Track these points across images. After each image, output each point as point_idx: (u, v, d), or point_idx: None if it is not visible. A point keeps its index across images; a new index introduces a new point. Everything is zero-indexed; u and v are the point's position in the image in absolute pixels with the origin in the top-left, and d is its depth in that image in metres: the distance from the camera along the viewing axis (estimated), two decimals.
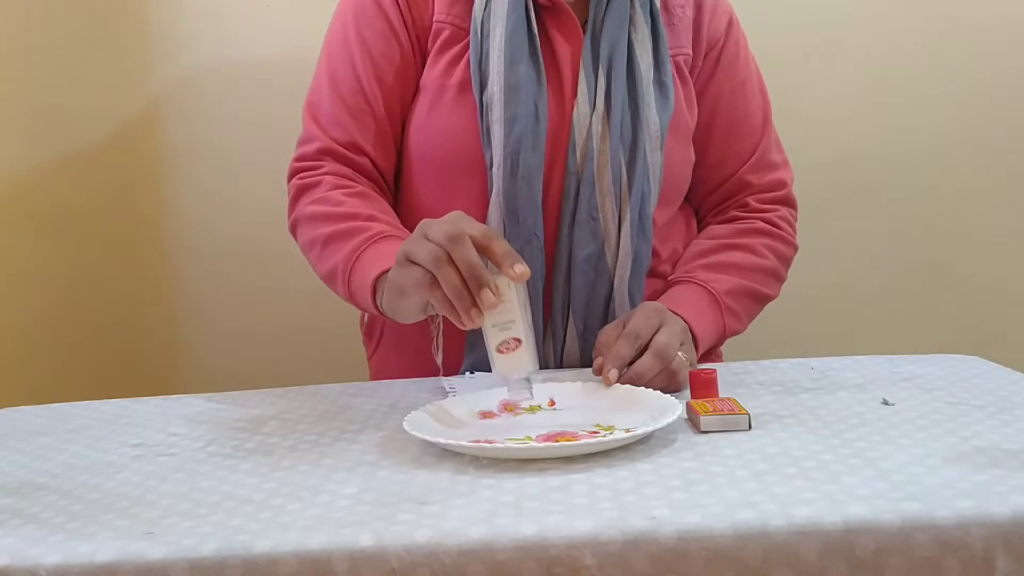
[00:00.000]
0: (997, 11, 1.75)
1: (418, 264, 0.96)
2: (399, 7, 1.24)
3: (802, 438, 0.89)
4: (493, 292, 0.94)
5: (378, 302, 1.10)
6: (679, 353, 1.08)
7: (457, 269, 0.94)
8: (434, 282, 0.95)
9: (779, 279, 1.30)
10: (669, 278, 1.28)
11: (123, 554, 0.73)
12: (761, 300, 1.28)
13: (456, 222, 0.96)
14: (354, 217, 1.18)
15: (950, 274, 1.80)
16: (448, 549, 0.71)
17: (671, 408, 0.94)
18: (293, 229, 1.26)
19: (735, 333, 1.26)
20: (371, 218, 1.18)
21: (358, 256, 1.14)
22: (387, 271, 1.06)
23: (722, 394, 1.02)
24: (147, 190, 1.76)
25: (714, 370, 1.04)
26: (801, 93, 1.73)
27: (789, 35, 1.74)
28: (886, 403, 0.99)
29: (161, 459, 0.95)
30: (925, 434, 0.89)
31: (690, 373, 1.04)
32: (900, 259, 1.80)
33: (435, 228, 0.96)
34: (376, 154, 1.25)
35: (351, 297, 1.16)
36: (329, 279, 1.20)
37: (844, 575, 0.70)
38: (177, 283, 1.78)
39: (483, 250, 0.95)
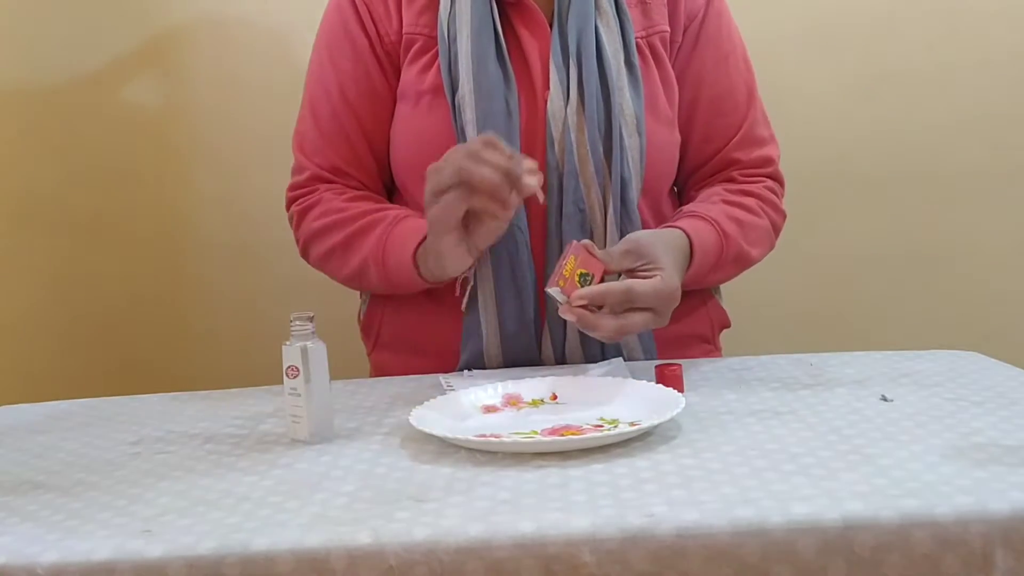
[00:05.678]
0: (997, 2, 1.74)
1: (445, 189, 1.04)
2: (364, 28, 1.26)
3: (800, 435, 0.89)
4: (533, 170, 1.03)
5: (422, 273, 1.15)
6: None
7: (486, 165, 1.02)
8: (471, 190, 1.03)
9: (771, 241, 1.31)
10: (683, 209, 1.26)
11: (120, 552, 0.73)
12: (749, 261, 1.28)
13: (457, 150, 1.05)
14: (364, 215, 1.23)
15: (949, 269, 1.80)
16: (446, 547, 0.71)
17: (674, 402, 0.94)
18: (304, 251, 1.30)
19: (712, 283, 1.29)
20: (380, 209, 1.23)
21: (387, 240, 1.19)
22: (420, 244, 1.13)
23: (716, 390, 1.02)
24: (146, 186, 1.76)
25: (679, 365, 1.06)
26: (799, 87, 1.73)
27: (787, 28, 1.73)
28: (885, 399, 0.99)
29: (159, 457, 0.95)
30: (924, 430, 0.89)
31: (656, 368, 1.06)
32: (898, 254, 1.79)
33: (447, 158, 1.04)
34: (361, 175, 1.29)
35: (389, 279, 1.21)
36: (358, 275, 1.24)
37: (843, 572, 0.70)
38: (176, 280, 1.78)
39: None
